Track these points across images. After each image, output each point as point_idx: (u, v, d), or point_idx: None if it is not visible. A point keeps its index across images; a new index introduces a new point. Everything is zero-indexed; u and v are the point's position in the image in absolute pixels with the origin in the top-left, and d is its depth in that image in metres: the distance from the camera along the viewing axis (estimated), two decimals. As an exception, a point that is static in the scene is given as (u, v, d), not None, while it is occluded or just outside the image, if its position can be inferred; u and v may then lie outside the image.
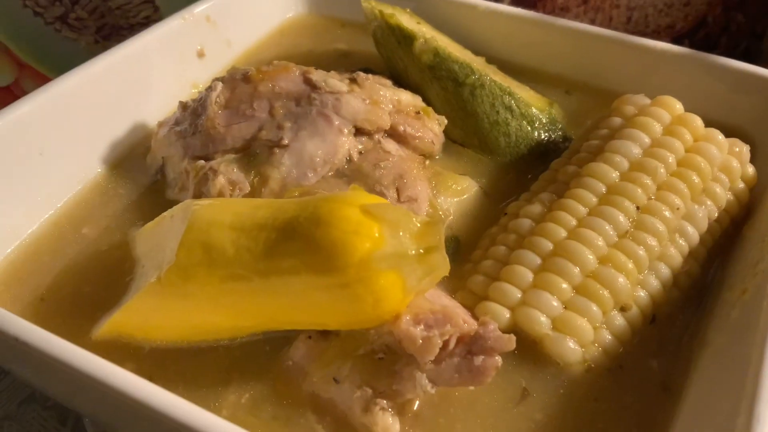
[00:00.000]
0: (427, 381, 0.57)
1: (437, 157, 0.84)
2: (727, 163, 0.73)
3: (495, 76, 0.87)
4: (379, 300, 0.56)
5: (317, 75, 0.79)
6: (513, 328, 0.64)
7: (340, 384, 0.59)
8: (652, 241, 0.67)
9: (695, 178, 0.70)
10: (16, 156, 0.74)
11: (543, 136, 0.85)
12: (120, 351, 0.63)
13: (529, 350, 0.64)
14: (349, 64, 0.98)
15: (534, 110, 0.85)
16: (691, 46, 1.17)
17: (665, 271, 0.67)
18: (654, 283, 0.67)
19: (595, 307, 0.64)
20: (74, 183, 0.79)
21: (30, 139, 0.75)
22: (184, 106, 0.81)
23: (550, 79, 0.96)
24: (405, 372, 0.58)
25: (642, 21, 1.30)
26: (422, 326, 0.57)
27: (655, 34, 1.29)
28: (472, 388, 0.61)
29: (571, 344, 0.63)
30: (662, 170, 0.70)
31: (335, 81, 0.78)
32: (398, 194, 0.74)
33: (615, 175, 0.70)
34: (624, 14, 1.29)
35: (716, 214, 0.72)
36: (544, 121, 0.85)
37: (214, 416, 0.48)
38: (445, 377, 0.57)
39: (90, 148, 0.81)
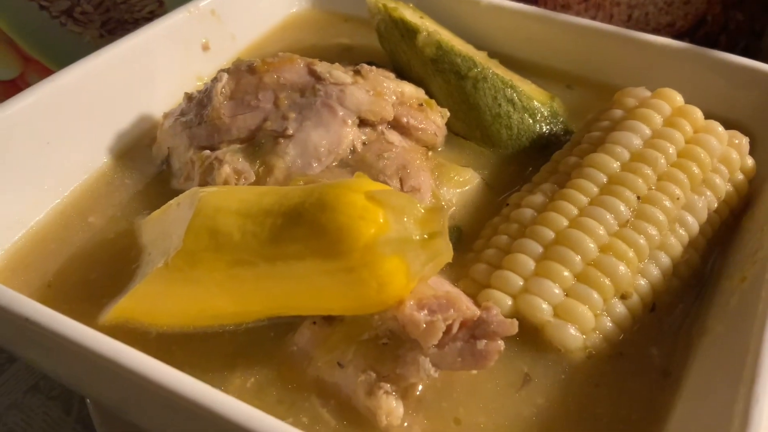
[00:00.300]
0: (430, 365, 0.58)
1: (439, 149, 0.85)
2: (726, 154, 0.74)
3: (497, 69, 0.88)
4: (383, 284, 0.57)
5: (322, 66, 0.80)
6: (515, 315, 0.64)
7: (345, 368, 0.60)
8: (652, 231, 0.68)
9: (695, 169, 0.71)
10: (24, 145, 0.74)
11: (544, 129, 0.86)
12: (127, 336, 0.63)
13: (531, 337, 0.65)
14: (352, 58, 0.99)
15: (536, 103, 0.86)
16: (691, 44, 1.18)
17: (665, 260, 0.68)
18: (654, 271, 0.68)
19: (596, 295, 0.65)
20: (81, 172, 0.80)
21: (37, 129, 0.75)
22: (189, 97, 0.82)
23: (551, 74, 0.97)
24: (408, 356, 0.59)
25: (642, 19, 1.31)
26: (426, 311, 0.58)
27: (655, 33, 1.30)
28: (474, 372, 0.61)
29: (573, 331, 0.64)
30: (663, 161, 0.71)
31: (339, 72, 0.79)
32: (401, 184, 0.75)
33: (616, 165, 0.71)
34: (624, 12, 1.30)
35: (716, 205, 0.73)
36: (545, 114, 0.86)
37: (224, 394, 0.48)
38: (449, 361, 0.58)
39: (96, 138, 0.82)
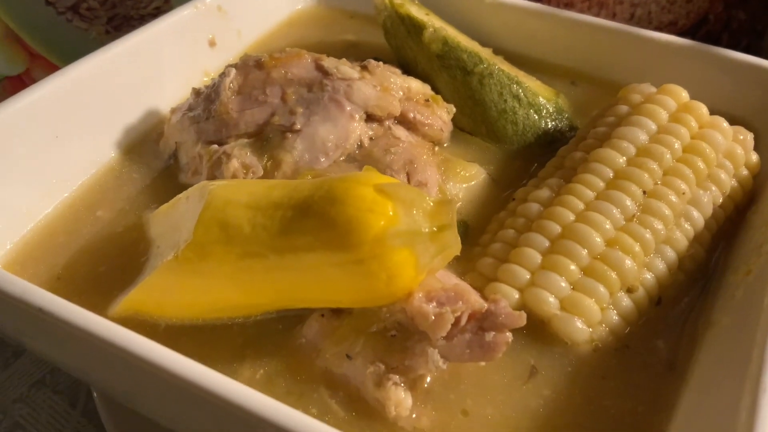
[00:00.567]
0: (439, 356, 0.58)
1: (445, 144, 0.86)
2: (731, 149, 0.75)
3: (503, 66, 0.88)
4: (392, 276, 0.57)
5: (329, 62, 0.80)
6: (522, 309, 0.64)
7: (353, 360, 0.60)
8: (658, 225, 0.68)
9: (700, 164, 0.72)
10: (33, 139, 0.75)
11: (550, 125, 0.87)
12: (136, 328, 0.62)
13: (538, 330, 0.65)
14: (357, 54, 0.99)
15: (541, 99, 0.86)
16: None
17: (671, 254, 0.69)
18: (660, 265, 0.68)
19: (602, 288, 0.65)
20: (88, 167, 0.80)
21: (46, 123, 0.76)
22: (197, 92, 0.82)
23: (555, 70, 0.97)
24: (417, 348, 0.59)
25: (645, 17, 1.32)
26: (434, 303, 0.58)
27: (658, 31, 1.31)
28: (483, 363, 0.62)
29: (579, 324, 0.64)
30: (668, 156, 0.71)
31: (347, 68, 0.79)
32: (408, 179, 0.75)
33: (622, 160, 0.72)
34: (627, 10, 1.30)
35: (721, 200, 0.73)
36: (550, 110, 0.87)
37: (237, 383, 0.49)
38: (457, 353, 0.58)
39: (104, 133, 0.83)
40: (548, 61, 0.98)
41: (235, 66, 0.81)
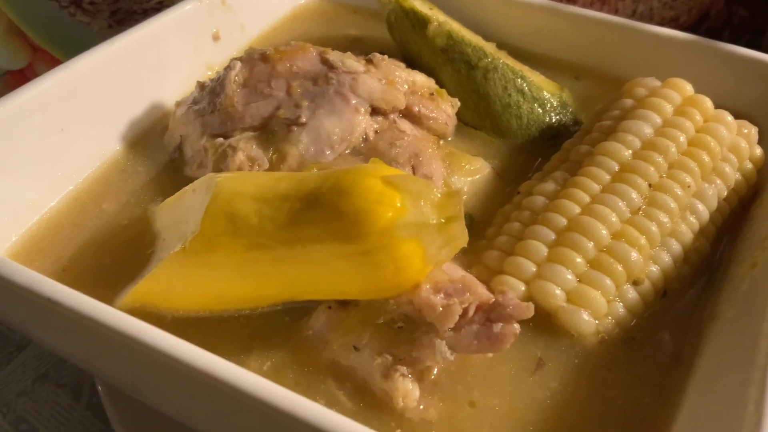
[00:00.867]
0: (446, 348, 0.59)
1: (449, 138, 0.86)
2: (736, 143, 0.75)
3: (507, 60, 0.88)
4: (400, 268, 0.57)
5: (334, 55, 0.80)
6: (528, 301, 0.64)
7: (360, 352, 0.60)
8: (663, 218, 0.68)
9: (705, 158, 0.72)
10: (38, 132, 0.75)
11: (554, 119, 0.87)
12: (143, 320, 0.64)
13: (544, 322, 0.65)
14: (361, 49, 0.99)
15: (545, 93, 0.86)
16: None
17: (676, 247, 0.69)
18: (666, 258, 0.68)
19: (608, 281, 0.65)
20: (94, 160, 0.80)
21: (52, 116, 0.76)
22: (202, 85, 0.82)
23: (559, 65, 0.98)
24: (424, 339, 0.59)
25: (647, 14, 1.32)
26: (442, 295, 0.59)
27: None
28: (490, 355, 0.62)
29: (585, 316, 0.64)
30: (673, 149, 0.72)
31: (352, 61, 0.79)
32: (413, 172, 0.75)
33: (627, 153, 0.72)
34: (629, 6, 1.30)
35: (725, 193, 0.73)
36: (555, 104, 0.87)
37: (247, 371, 0.49)
38: (464, 344, 0.59)
39: (109, 126, 0.82)
40: (552, 56, 0.99)
41: (240, 59, 0.81)
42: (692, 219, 0.70)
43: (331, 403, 0.59)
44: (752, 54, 0.89)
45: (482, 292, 0.59)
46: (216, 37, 0.96)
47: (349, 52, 0.83)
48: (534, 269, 0.67)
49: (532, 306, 0.59)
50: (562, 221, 0.68)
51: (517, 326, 0.59)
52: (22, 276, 0.54)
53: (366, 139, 0.77)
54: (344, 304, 0.62)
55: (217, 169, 0.75)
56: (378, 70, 0.80)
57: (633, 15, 1.30)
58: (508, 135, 0.86)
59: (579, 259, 0.66)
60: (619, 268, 0.66)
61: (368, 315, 0.61)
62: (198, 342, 0.62)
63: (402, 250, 0.57)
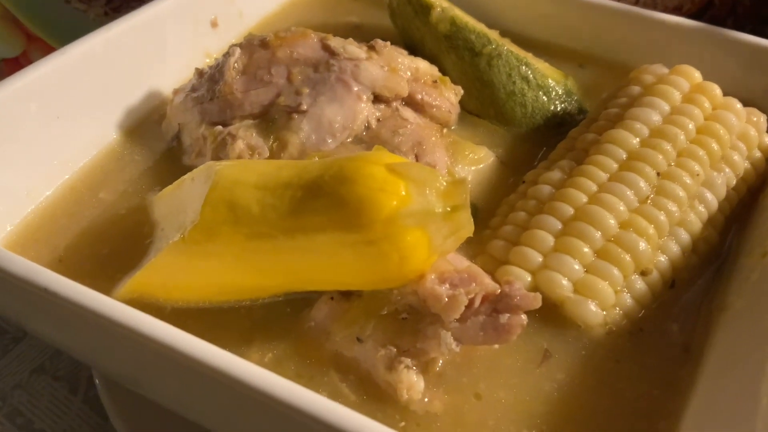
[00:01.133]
0: (452, 339, 0.57)
1: (453, 127, 0.84)
2: (745, 131, 0.74)
3: (511, 47, 0.87)
4: (404, 257, 0.56)
5: (335, 42, 0.79)
6: (534, 291, 0.63)
7: (364, 343, 0.59)
8: (672, 207, 0.67)
9: (714, 146, 0.71)
10: (34, 119, 0.73)
11: (559, 108, 0.85)
12: (141, 311, 0.62)
13: (551, 313, 0.64)
14: (361, 36, 0.97)
15: (550, 81, 0.85)
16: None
17: (685, 236, 0.68)
18: (674, 248, 0.67)
19: (616, 271, 0.64)
20: (90, 148, 0.79)
21: (47, 103, 0.74)
22: (200, 72, 0.81)
23: (563, 53, 0.96)
24: (429, 330, 0.58)
25: (650, 2, 1.30)
26: (447, 285, 0.57)
27: (663, 15, 1.30)
28: (496, 346, 0.61)
29: (593, 307, 0.63)
30: (682, 137, 0.70)
31: (354, 48, 0.78)
32: (416, 161, 0.74)
33: (635, 141, 0.71)
34: (633, -6, 1.29)
35: (734, 182, 0.73)
36: (560, 92, 0.86)
37: (247, 362, 0.48)
38: (470, 335, 0.57)
39: (106, 114, 0.81)
40: (556, 43, 0.97)
41: (239, 45, 0.79)
42: (701, 208, 0.69)
43: (334, 396, 0.58)
44: (758, 41, 0.88)
45: (488, 283, 0.58)
46: (214, 24, 0.95)
47: (350, 38, 0.81)
48: (540, 259, 0.65)
49: (539, 296, 0.58)
50: (569, 210, 0.67)
51: (524, 317, 0.57)
52: (18, 265, 0.53)
53: (368, 127, 0.76)
54: (347, 294, 0.61)
55: (216, 158, 0.74)
56: (380, 57, 0.78)
57: (637, 3, 1.29)
58: (513, 123, 0.84)
59: (586, 249, 0.65)
60: (627, 257, 0.64)
61: (372, 306, 0.60)
62: (198, 333, 0.61)
63: (407, 239, 0.56)
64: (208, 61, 0.92)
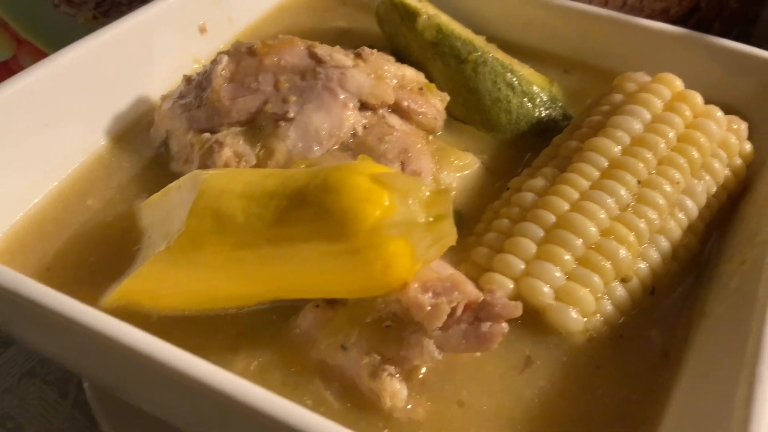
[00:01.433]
0: (434, 347, 0.58)
1: (439, 133, 0.85)
2: (725, 139, 0.75)
3: (497, 54, 0.88)
4: (388, 266, 0.57)
5: (322, 49, 0.79)
6: (517, 298, 0.64)
7: (348, 351, 0.60)
8: (652, 215, 0.68)
9: (695, 154, 0.72)
10: (22, 127, 0.73)
11: (543, 114, 0.86)
12: (128, 319, 0.61)
13: (533, 320, 0.65)
14: (350, 42, 0.98)
15: (535, 88, 0.86)
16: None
17: (665, 244, 0.69)
18: (654, 255, 0.68)
19: (596, 278, 0.65)
20: (78, 155, 0.79)
21: (36, 111, 0.74)
22: (188, 79, 0.81)
23: (549, 59, 0.97)
24: (412, 339, 0.59)
25: (637, 5, 1.31)
26: (430, 294, 0.58)
27: (650, 19, 1.31)
28: (478, 354, 0.62)
29: (574, 314, 0.64)
30: (663, 145, 0.71)
31: (340, 55, 0.78)
32: (402, 168, 0.75)
33: (617, 149, 0.72)
34: (620, -3, 1.29)
35: (714, 190, 0.73)
36: (544, 98, 0.86)
37: (231, 374, 0.48)
38: (453, 343, 0.58)
39: (93, 121, 0.81)
40: (541, 49, 0.98)
41: (227, 53, 0.80)
42: (681, 216, 0.70)
43: (319, 404, 0.58)
44: (742, 48, 0.88)
45: (471, 291, 0.59)
46: (203, 30, 0.95)
47: (338, 46, 0.82)
48: (523, 267, 0.66)
49: (520, 305, 0.59)
50: (551, 218, 0.68)
51: (505, 325, 0.58)
52: (3, 277, 0.53)
53: (354, 135, 0.77)
54: (332, 302, 0.62)
55: (204, 165, 0.74)
56: (367, 65, 0.79)
57: (623, 6, 1.30)
58: (498, 130, 0.85)
59: (567, 257, 0.66)
60: (608, 265, 0.65)
61: (356, 314, 0.61)
62: (184, 341, 0.62)
63: (390, 248, 0.56)
64: (196, 66, 0.92)
